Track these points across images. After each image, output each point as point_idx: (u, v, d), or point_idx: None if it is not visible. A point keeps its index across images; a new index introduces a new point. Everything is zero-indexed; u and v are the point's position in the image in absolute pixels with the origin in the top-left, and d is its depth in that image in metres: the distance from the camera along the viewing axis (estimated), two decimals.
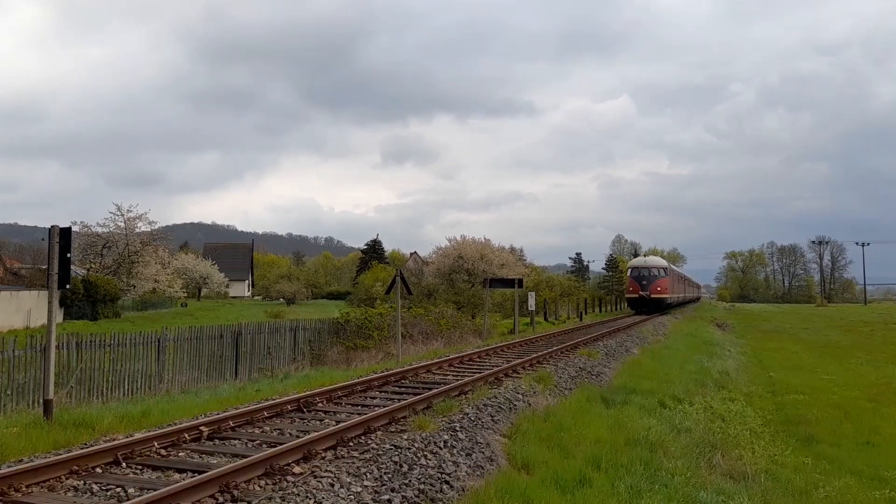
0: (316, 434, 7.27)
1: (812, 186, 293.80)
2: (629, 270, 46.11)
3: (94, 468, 6.37)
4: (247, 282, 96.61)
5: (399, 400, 9.97)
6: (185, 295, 63.77)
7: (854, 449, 11.22)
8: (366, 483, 6.17)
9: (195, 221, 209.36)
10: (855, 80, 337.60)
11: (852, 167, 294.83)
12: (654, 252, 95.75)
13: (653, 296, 42.00)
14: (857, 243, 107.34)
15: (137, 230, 49.82)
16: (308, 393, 10.12)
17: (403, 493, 6.00)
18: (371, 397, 10.69)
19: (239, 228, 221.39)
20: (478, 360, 15.81)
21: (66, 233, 9.20)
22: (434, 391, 10.35)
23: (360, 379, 11.86)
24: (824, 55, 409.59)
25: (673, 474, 7.68)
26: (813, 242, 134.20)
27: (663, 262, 46.89)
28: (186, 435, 7.46)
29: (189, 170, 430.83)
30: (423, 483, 6.34)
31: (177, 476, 6.22)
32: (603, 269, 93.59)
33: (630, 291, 44.17)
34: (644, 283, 42.37)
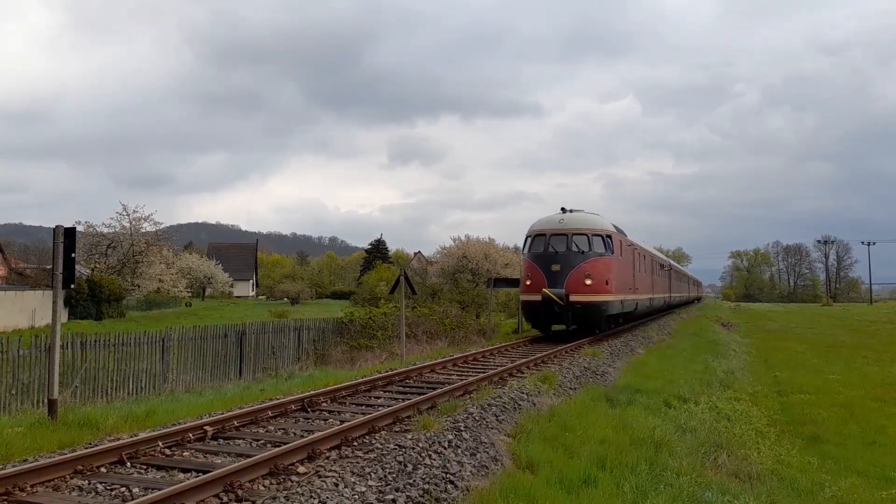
0: (320, 434, 7.27)
1: (816, 186, 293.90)
2: (528, 241, 20.84)
3: (98, 468, 6.38)
4: (251, 281, 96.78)
5: (403, 400, 9.96)
6: (190, 295, 63.94)
7: (860, 449, 11.15)
8: (370, 483, 6.16)
9: (199, 221, 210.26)
10: (859, 80, 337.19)
11: (857, 167, 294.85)
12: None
13: (573, 298, 18.94)
14: (862, 242, 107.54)
15: (142, 230, 50.01)
16: (312, 392, 10.11)
17: (408, 493, 5.98)
18: (375, 397, 10.67)
19: (243, 228, 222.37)
20: (482, 359, 15.78)
21: (70, 233, 9.21)
22: (438, 391, 10.33)
23: (364, 378, 11.84)
24: (828, 55, 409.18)
25: (678, 474, 7.65)
26: (818, 242, 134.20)
27: (604, 225, 20.94)
28: (191, 434, 7.46)
29: (196, 171, 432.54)
30: (428, 483, 6.32)
31: (181, 476, 6.22)
32: None
33: (526, 288, 20.10)
34: (555, 268, 19.30)
